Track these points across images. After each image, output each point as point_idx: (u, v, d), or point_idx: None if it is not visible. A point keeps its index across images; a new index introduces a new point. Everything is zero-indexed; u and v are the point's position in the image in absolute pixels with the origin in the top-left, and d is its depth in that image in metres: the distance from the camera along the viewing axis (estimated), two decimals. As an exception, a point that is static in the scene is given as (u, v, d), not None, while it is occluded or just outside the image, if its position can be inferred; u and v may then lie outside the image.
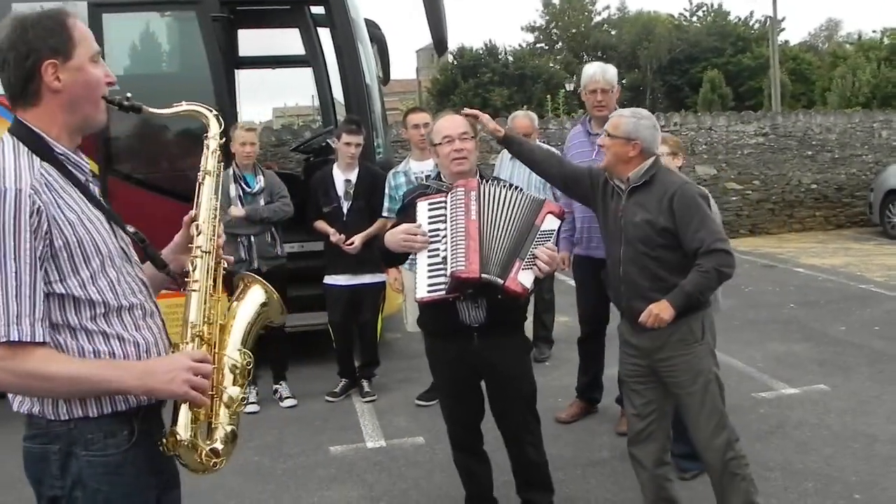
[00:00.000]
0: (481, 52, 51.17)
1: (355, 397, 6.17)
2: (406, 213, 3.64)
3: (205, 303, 2.14)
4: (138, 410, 2.03)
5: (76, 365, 1.91)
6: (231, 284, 2.38)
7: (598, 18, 59.14)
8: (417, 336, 7.13)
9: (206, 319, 2.13)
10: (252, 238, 5.82)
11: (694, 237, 3.50)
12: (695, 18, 54.07)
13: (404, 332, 7.73)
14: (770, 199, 14.21)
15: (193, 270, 2.17)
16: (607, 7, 79.80)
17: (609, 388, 5.64)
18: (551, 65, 54.23)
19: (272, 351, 6.17)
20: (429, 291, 3.39)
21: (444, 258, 3.36)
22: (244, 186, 5.87)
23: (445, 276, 3.35)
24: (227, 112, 6.64)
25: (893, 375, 6.28)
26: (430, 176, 4.43)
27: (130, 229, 2.18)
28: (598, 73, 5.28)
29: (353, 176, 5.97)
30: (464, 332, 3.59)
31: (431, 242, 3.42)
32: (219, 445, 2.07)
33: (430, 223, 3.46)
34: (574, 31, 58.49)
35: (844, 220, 14.64)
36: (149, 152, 6.62)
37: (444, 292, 3.37)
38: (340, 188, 5.97)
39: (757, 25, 49.91)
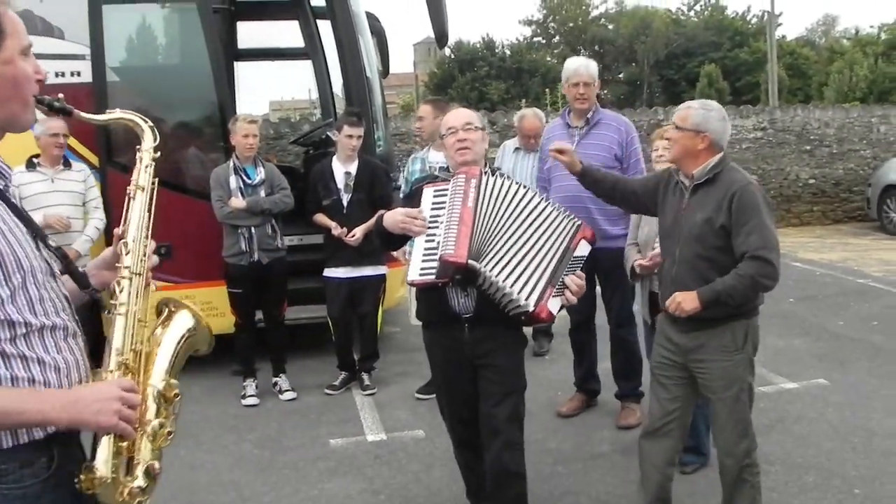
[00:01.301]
0: (479, 45, 51.15)
1: (355, 390, 6.17)
2: (412, 199, 3.66)
3: (131, 328, 1.98)
4: (55, 436, 1.83)
5: None
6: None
7: (595, 13, 59.26)
8: (417, 329, 7.10)
9: (132, 346, 1.97)
10: (252, 230, 5.80)
11: (745, 240, 3.41)
12: (692, 13, 54.17)
13: (404, 326, 7.74)
14: (768, 194, 14.16)
15: (120, 292, 2.01)
16: (605, 1, 79.59)
17: (608, 382, 5.65)
18: (548, 59, 54.23)
19: (272, 344, 6.18)
20: (420, 274, 3.41)
21: (439, 244, 3.38)
22: (245, 178, 5.85)
23: (437, 260, 3.37)
24: (227, 105, 6.64)
25: (892, 370, 6.30)
26: (443, 167, 4.44)
27: (52, 244, 2.02)
28: (582, 66, 5.36)
29: (353, 168, 5.95)
30: (455, 321, 3.60)
31: (430, 228, 3.44)
32: (142, 483, 1.90)
33: (432, 209, 3.47)
34: (571, 25, 58.51)
35: (842, 215, 14.66)
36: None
37: (433, 276, 3.38)
38: (340, 181, 5.95)
39: (754, 20, 49.97)
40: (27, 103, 1.88)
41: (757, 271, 3.39)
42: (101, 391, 1.82)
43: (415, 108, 37.38)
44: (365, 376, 6.22)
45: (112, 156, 6.29)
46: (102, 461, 1.82)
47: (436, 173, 3.93)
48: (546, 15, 59.38)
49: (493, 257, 3.38)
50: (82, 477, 1.83)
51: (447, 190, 3.48)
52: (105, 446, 1.83)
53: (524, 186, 3.57)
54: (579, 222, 3.57)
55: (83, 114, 2.13)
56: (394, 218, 3.50)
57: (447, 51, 48.19)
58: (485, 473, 3.84)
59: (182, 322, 2.16)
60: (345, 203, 5.94)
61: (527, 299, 3.37)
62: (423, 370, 6.21)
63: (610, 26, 57.41)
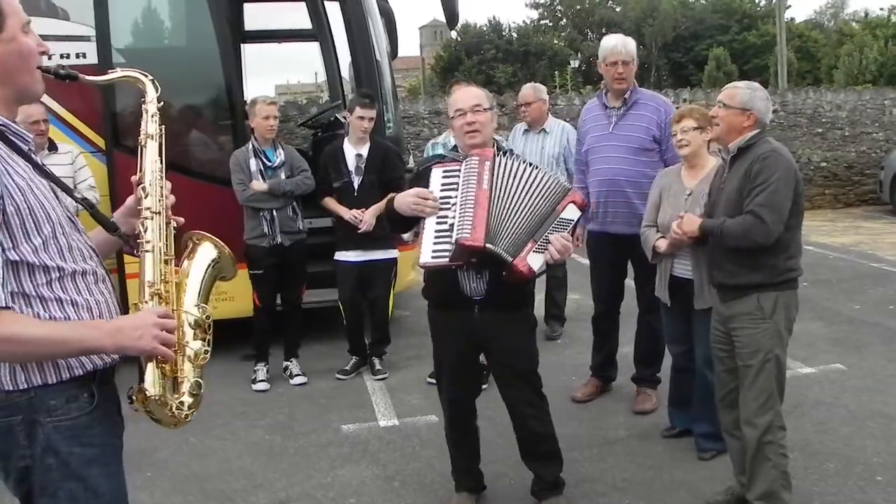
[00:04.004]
0: (485, 28, 50.91)
1: (366, 375, 6.11)
2: (419, 179, 3.59)
3: (160, 262, 2.15)
4: (94, 374, 2.05)
5: (48, 327, 1.92)
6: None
7: (602, -5, 58.75)
8: (428, 313, 7.08)
9: (162, 278, 2.14)
10: (274, 212, 5.75)
11: (751, 199, 3.55)
12: (700, -5, 53.67)
13: (414, 309, 7.68)
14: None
15: (144, 231, 2.17)
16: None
17: (623, 367, 5.59)
18: (555, 41, 53.98)
19: (289, 327, 6.12)
20: (433, 257, 3.36)
21: (452, 225, 3.32)
22: (265, 161, 5.80)
23: (451, 243, 3.31)
24: (235, 87, 6.55)
25: (910, 355, 6.21)
26: (451, 147, 4.37)
27: (78, 196, 2.23)
28: (620, 44, 5.17)
29: (365, 150, 5.87)
30: (465, 303, 3.57)
31: (441, 209, 3.38)
32: (187, 398, 2.11)
33: (441, 190, 3.42)
34: (578, 7, 58.19)
35: (854, 198, 14.52)
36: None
37: (446, 259, 3.33)
38: (351, 163, 5.87)
39: (763, 3, 49.58)
40: (34, 74, 2.04)
41: (748, 226, 3.56)
42: (140, 318, 2.01)
43: (421, 92, 37.19)
44: (376, 361, 6.16)
45: (119, 139, 6.20)
46: (150, 382, 2.03)
47: (443, 153, 3.89)
48: (553, -3, 59.03)
49: (506, 238, 3.34)
50: (134, 397, 2.04)
51: (457, 171, 3.43)
52: (150, 369, 2.04)
53: (532, 165, 3.53)
54: (568, 186, 3.60)
55: (87, 77, 2.29)
56: (405, 200, 3.44)
57: (454, 34, 47.98)
58: (471, 453, 4.01)
59: (206, 253, 2.35)
60: (356, 185, 5.86)
61: (506, 252, 3.34)
62: (435, 355, 6.17)
63: (617, 9, 57.06)
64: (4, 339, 1.83)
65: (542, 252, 3.40)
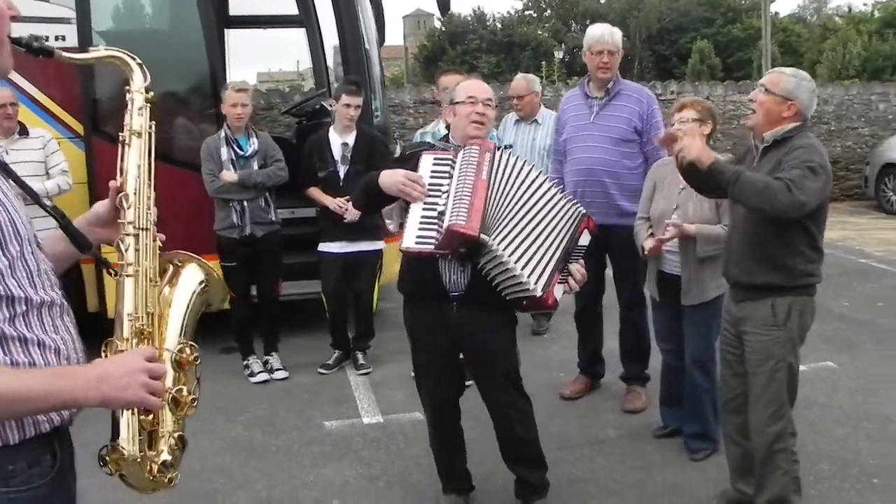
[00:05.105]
0: (469, 18, 50.74)
1: (349, 369, 5.96)
2: (405, 164, 3.44)
3: (144, 290, 1.81)
4: (57, 430, 1.68)
5: (19, 378, 1.54)
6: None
7: (587, -14, 58.65)
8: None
9: (146, 309, 1.80)
10: (245, 203, 5.56)
11: (786, 172, 3.21)
12: (685, -12, 53.66)
13: (399, 302, 7.51)
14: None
15: (126, 251, 1.82)
16: (597, -25, 78.95)
17: (611, 365, 5.48)
18: (540, 32, 53.87)
19: (265, 320, 5.94)
20: (416, 242, 3.21)
21: (441, 213, 3.18)
22: (237, 150, 5.59)
23: (438, 230, 3.17)
24: (219, 72, 6.38)
25: (901, 353, 6.15)
26: (440, 137, 4.23)
27: (48, 203, 1.83)
28: (607, 34, 5.08)
29: (351, 139, 5.71)
30: (443, 298, 3.43)
31: (429, 196, 3.24)
32: (167, 456, 1.78)
33: (431, 177, 3.28)
34: (563, -2, 58.00)
35: (839, 193, 14.45)
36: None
37: (432, 246, 3.18)
38: (337, 152, 5.71)
39: (747, -4, 49.62)
40: (3, 45, 1.65)
41: (772, 187, 3.17)
42: (126, 364, 1.64)
43: (404, 82, 36.97)
44: (359, 355, 6.01)
45: (98, 125, 6.01)
46: (127, 438, 1.70)
47: (432, 142, 3.76)
48: (538, -12, 58.89)
49: (501, 235, 3.21)
50: (108, 458, 1.71)
51: (450, 160, 3.29)
52: (127, 423, 1.70)
53: (533, 166, 3.42)
54: (583, 211, 3.44)
55: (65, 54, 1.90)
56: (393, 178, 3.28)
57: (437, 24, 47.81)
58: (457, 456, 3.87)
59: (191, 277, 2.00)
60: (341, 175, 5.70)
61: (535, 283, 3.22)
62: (420, 349, 6.04)
63: (602, 0, 56.97)
64: None
65: (564, 283, 3.38)
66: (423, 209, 3.23)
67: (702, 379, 4.36)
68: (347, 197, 5.61)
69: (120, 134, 1.94)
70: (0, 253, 1.55)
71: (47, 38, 1.85)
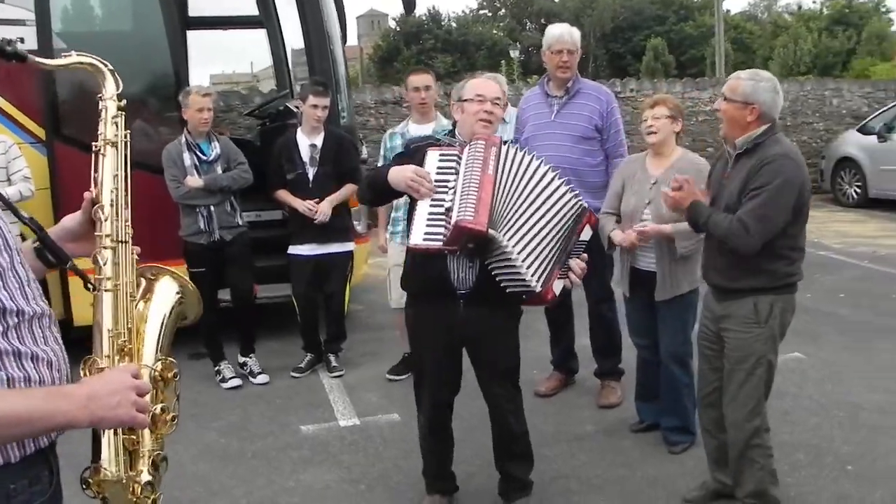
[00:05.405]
0: (424, 18, 50.68)
1: (322, 373, 5.90)
2: (411, 158, 3.41)
3: (125, 305, 1.78)
4: (52, 446, 1.67)
5: (9, 400, 1.49)
6: None
7: (541, -15, 58.92)
8: (382, 307, 6.87)
9: (126, 325, 1.78)
10: (212, 208, 5.48)
11: (745, 202, 3.33)
12: (638, -14, 54.18)
13: (367, 304, 7.49)
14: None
15: (104, 265, 1.79)
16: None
17: (584, 361, 5.50)
18: (495, 32, 54.01)
19: (242, 323, 5.85)
20: (424, 239, 3.20)
21: (448, 209, 3.17)
22: (199, 155, 5.51)
23: (446, 227, 3.16)
24: (183, 75, 6.28)
25: (864, 343, 6.29)
26: (446, 132, 4.20)
27: (26, 215, 1.81)
28: (566, 33, 5.14)
29: (319, 140, 5.65)
30: (450, 296, 3.43)
31: (437, 192, 3.23)
32: (145, 476, 1.73)
33: (437, 173, 3.26)
34: (517, -3, 58.24)
35: (796, 187, 14.72)
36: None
37: (440, 243, 3.18)
38: (305, 153, 5.65)
39: (699, -6, 50.25)
40: None
41: (732, 231, 3.35)
42: (114, 382, 1.60)
43: (359, 83, 36.83)
44: (332, 358, 5.95)
45: (59, 128, 5.86)
46: (109, 459, 1.66)
47: (438, 137, 3.73)
48: (492, -13, 59.07)
49: (507, 230, 3.20)
50: (90, 480, 1.67)
51: (455, 156, 3.27)
52: (108, 443, 1.66)
53: (539, 159, 3.38)
54: (585, 205, 3.43)
55: (38, 58, 1.88)
56: (403, 174, 3.26)
57: (392, 23, 47.70)
58: (447, 456, 3.86)
59: (166, 290, 1.97)
60: (310, 177, 5.64)
61: (536, 280, 3.22)
62: (392, 350, 6.00)
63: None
64: None
65: (564, 278, 3.38)
66: (431, 206, 3.22)
67: (680, 373, 4.39)
68: (318, 199, 5.57)
69: (94, 143, 1.90)
70: None
71: (11, 42, 1.79)
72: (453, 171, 3.24)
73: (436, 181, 3.23)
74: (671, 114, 4.27)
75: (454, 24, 51.81)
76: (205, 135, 5.58)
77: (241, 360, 5.84)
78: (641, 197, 4.36)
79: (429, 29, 49.34)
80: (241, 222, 5.70)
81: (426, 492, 3.89)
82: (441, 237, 3.17)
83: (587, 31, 49.60)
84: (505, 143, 3.33)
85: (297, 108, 6.01)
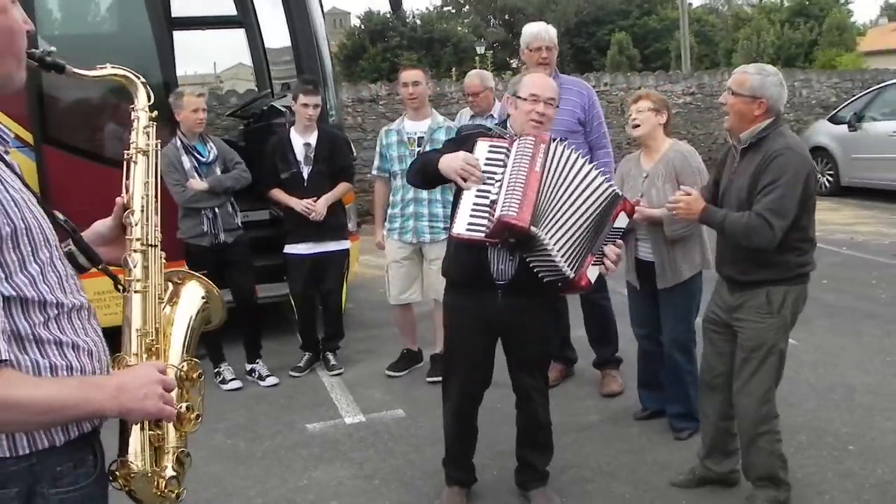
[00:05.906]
0: (389, 15, 50.45)
1: (321, 371, 5.90)
2: (462, 145, 3.43)
3: (153, 307, 1.87)
4: (95, 431, 1.73)
5: (45, 387, 1.54)
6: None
7: (504, -19, 58.99)
8: (377, 304, 6.89)
9: (155, 325, 1.86)
10: (216, 210, 5.46)
11: (760, 198, 3.38)
12: (600, -19, 54.46)
13: (359, 302, 7.50)
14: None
15: (134, 267, 1.87)
16: (512, -30, 79.52)
17: (582, 352, 5.56)
18: (459, 28, 53.98)
19: (247, 326, 5.80)
20: (467, 229, 3.24)
21: (493, 202, 3.20)
22: (197, 157, 5.48)
23: (489, 219, 3.19)
24: (171, 76, 6.25)
25: (851, 327, 6.45)
26: (497, 122, 4.23)
27: (60, 217, 1.83)
28: (543, 31, 5.22)
29: (313, 139, 5.65)
30: (489, 287, 3.47)
31: (484, 183, 3.26)
32: (170, 472, 1.80)
33: (485, 164, 3.28)
34: (481, -7, 58.28)
35: (768, 176, 14.95)
36: (93, 116, 6.03)
37: (482, 234, 3.21)
38: (300, 152, 5.65)
39: (661, -13, 50.62)
40: (21, 58, 1.65)
41: (754, 227, 3.38)
42: (143, 375, 1.68)
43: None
44: (330, 356, 5.95)
45: (48, 132, 5.80)
46: (136, 453, 1.73)
47: (489, 126, 3.75)
48: (455, -16, 59.05)
49: (549, 226, 3.22)
50: (118, 473, 1.74)
51: (505, 149, 3.29)
52: (136, 437, 1.73)
53: (584, 157, 3.40)
54: (618, 192, 3.46)
55: (75, 69, 1.94)
56: (453, 161, 3.28)
57: (356, 21, 47.52)
58: (470, 446, 3.88)
59: (193, 294, 2.06)
60: (305, 175, 5.64)
61: (570, 267, 3.25)
62: (389, 347, 6.04)
63: (519, -5, 57.39)
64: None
65: (599, 265, 3.38)
66: (476, 196, 3.24)
67: (683, 360, 4.46)
68: (315, 198, 5.57)
69: (126, 152, 2.00)
70: (32, 259, 1.57)
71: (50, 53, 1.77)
72: (501, 163, 3.26)
73: (483, 172, 3.26)
74: (654, 106, 4.38)
75: (419, 22, 51.68)
76: (199, 136, 5.55)
77: (249, 367, 5.79)
78: (635, 191, 4.43)
79: (394, 26, 49.14)
80: (239, 223, 5.70)
81: (445, 483, 3.92)
82: (484, 228, 3.20)
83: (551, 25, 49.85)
84: (553, 140, 3.34)
85: (287, 107, 6.00)
